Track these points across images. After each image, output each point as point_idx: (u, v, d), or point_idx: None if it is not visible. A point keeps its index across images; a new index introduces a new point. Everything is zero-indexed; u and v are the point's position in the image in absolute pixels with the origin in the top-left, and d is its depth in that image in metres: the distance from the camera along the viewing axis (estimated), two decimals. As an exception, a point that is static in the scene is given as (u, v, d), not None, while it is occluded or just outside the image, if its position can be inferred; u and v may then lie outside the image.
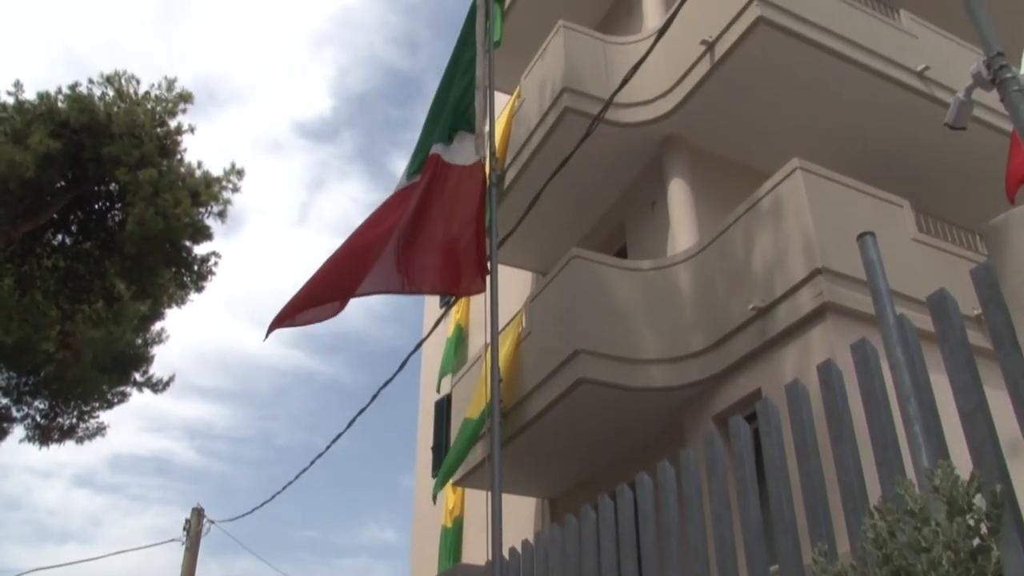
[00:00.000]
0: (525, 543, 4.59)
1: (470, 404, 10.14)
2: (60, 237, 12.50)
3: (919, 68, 10.05)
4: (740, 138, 10.53)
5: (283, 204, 64.26)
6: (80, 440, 15.82)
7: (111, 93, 11.77)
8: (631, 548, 3.61)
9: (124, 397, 16.12)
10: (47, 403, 15.33)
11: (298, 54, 64.20)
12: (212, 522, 17.34)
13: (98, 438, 16.05)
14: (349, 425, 11.22)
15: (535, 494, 11.41)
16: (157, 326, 16.04)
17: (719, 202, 9.80)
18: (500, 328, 6.34)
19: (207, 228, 12.14)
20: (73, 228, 12.43)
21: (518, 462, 9.79)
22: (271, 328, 5.14)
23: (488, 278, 5.70)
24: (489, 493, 4.94)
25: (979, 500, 1.75)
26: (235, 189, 12.30)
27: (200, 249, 12.55)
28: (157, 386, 16.26)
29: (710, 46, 9.63)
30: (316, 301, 5.29)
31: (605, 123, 9.19)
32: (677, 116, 10.21)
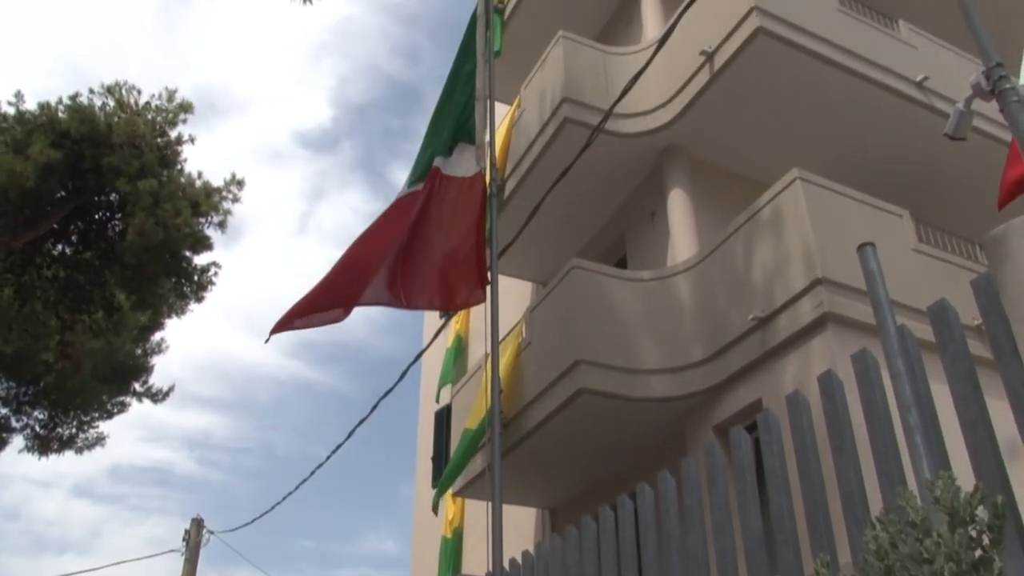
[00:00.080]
0: (525, 554, 4.58)
1: (470, 414, 10.13)
2: (60, 247, 12.51)
3: (918, 78, 10.08)
4: (740, 148, 10.54)
5: (283, 214, 64.30)
6: (79, 450, 15.81)
7: (112, 103, 11.80)
8: (632, 559, 3.60)
9: (124, 407, 16.11)
10: (47, 413, 15.32)
11: (298, 64, 64.36)
12: (211, 532, 17.31)
13: (97, 448, 16.05)
14: (349, 436, 11.20)
15: (535, 504, 11.38)
16: (157, 336, 16.05)
17: (719, 212, 9.81)
18: (500, 338, 6.34)
19: (207, 238, 12.16)
20: (73, 238, 12.44)
21: (518, 472, 9.77)
22: (273, 331, 5.18)
23: (488, 288, 5.71)
24: (489, 503, 4.93)
25: (981, 511, 1.75)
26: (235, 199, 12.31)
27: (200, 259, 12.56)
28: (157, 396, 16.26)
29: (709, 56, 9.65)
30: (318, 308, 5.33)
31: (605, 133, 9.20)
32: (677, 126, 10.22)
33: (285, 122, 63.77)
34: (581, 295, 8.85)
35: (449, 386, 14.30)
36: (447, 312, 14.84)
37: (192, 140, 12.42)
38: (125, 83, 12.00)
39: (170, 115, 12.12)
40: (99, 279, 12.21)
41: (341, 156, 72.22)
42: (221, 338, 57.06)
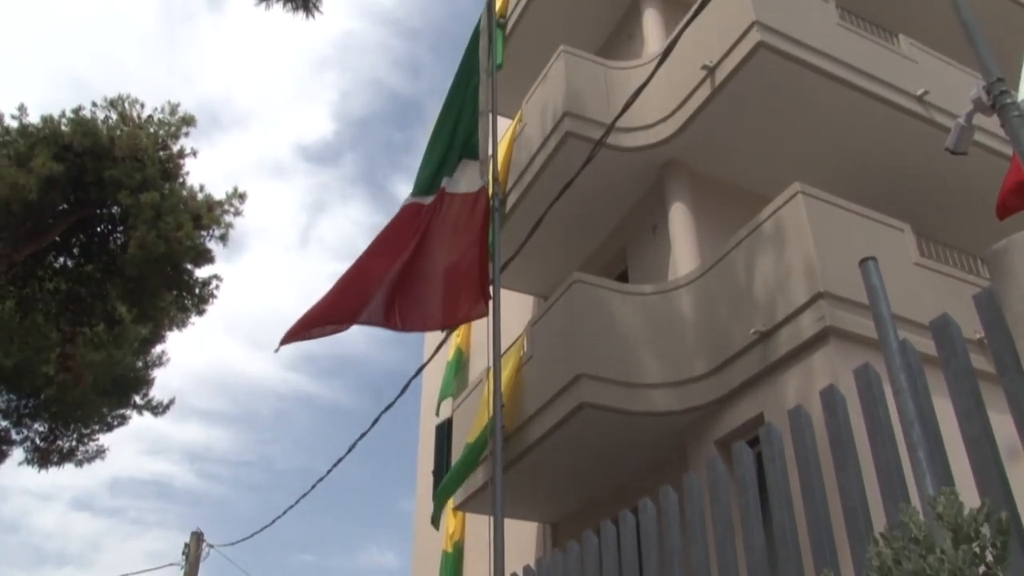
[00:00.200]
0: (526, 568, 4.56)
1: (472, 428, 10.10)
2: (62, 260, 12.53)
3: (919, 92, 10.10)
4: (741, 162, 10.56)
5: (285, 227, 64.43)
6: (79, 463, 15.78)
7: (114, 116, 11.84)
8: (634, 574, 3.58)
9: (124, 420, 16.09)
10: (47, 425, 15.29)
11: (300, 78, 64.61)
12: (211, 546, 17.25)
13: (97, 461, 16.02)
14: (350, 450, 11.17)
15: (536, 519, 11.34)
16: (158, 349, 16.04)
17: (720, 226, 9.81)
18: (502, 352, 6.33)
19: (209, 251, 12.17)
20: (75, 251, 12.46)
21: (519, 486, 9.74)
22: (283, 342, 5.20)
23: (490, 302, 5.71)
24: (490, 518, 4.92)
25: (984, 527, 1.74)
26: (237, 213, 12.34)
27: (201, 272, 12.58)
28: (157, 409, 16.23)
29: (711, 71, 9.68)
30: (326, 319, 5.36)
31: (606, 147, 9.22)
32: (678, 140, 10.24)
33: (287, 135, 64.00)
34: (583, 309, 8.85)
35: (450, 400, 14.27)
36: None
37: (194, 153, 12.47)
38: (128, 96, 12.05)
39: (172, 128, 12.16)
40: (100, 292, 12.22)
41: (343, 169, 72.43)
42: (222, 351, 57.09)
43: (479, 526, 12.17)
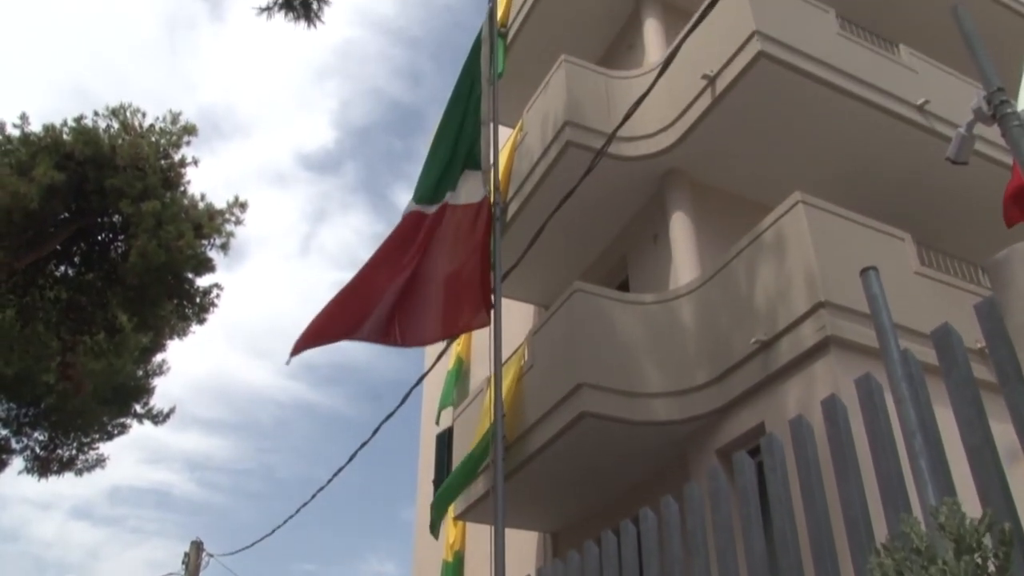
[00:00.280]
0: (527, 579, 4.54)
1: (473, 437, 10.08)
2: (63, 268, 12.55)
3: (919, 102, 10.11)
4: (742, 171, 10.57)
5: (285, 235, 64.49)
6: (79, 472, 15.77)
7: (116, 125, 11.87)
8: (634, 584, 3.57)
9: (124, 429, 16.09)
10: (47, 434, 15.29)
11: (301, 86, 64.75)
12: (211, 556, 17.18)
13: (97, 470, 16.01)
14: (350, 459, 11.12)
15: (537, 528, 11.32)
16: (158, 358, 16.06)
17: (721, 235, 9.81)
18: (502, 361, 6.33)
19: (209, 260, 12.19)
20: (76, 259, 12.47)
21: (520, 496, 9.73)
22: (294, 352, 5.19)
23: (491, 311, 5.70)
24: (491, 527, 4.90)
25: (986, 537, 1.73)
26: (238, 222, 12.36)
27: (202, 281, 12.60)
28: (157, 418, 16.23)
29: (711, 80, 9.69)
30: (330, 331, 5.37)
31: (607, 157, 9.22)
32: (679, 150, 10.25)
33: (288, 144, 64.14)
34: (583, 318, 8.84)
35: (450, 408, 14.25)
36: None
37: (196, 162, 12.50)
38: (130, 105, 12.09)
39: (174, 137, 12.19)
40: (101, 300, 12.22)
41: (343, 178, 72.54)
42: (223, 359, 57.09)
43: (479, 535, 12.14)
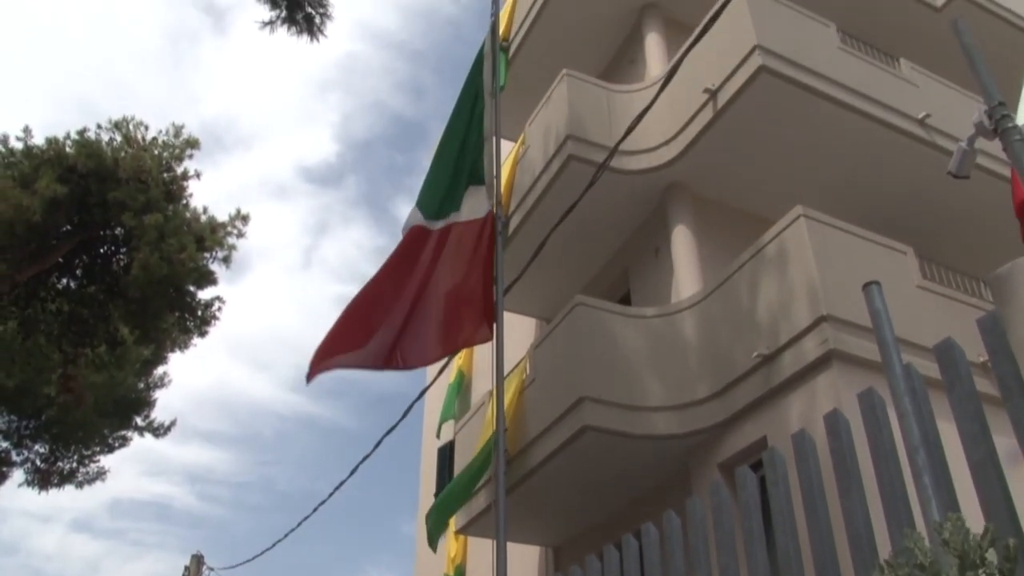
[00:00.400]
0: (528, 593, 4.52)
1: (474, 451, 10.04)
2: (65, 281, 12.56)
3: (920, 115, 10.12)
4: (743, 185, 10.58)
5: (287, 248, 64.58)
6: (80, 484, 15.75)
7: (119, 138, 11.91)
8: (636, 600, 3.55)
9: (125, 441, 16.07)
10: (47, 447, 15.27)
11: (304, 100, 64.97)
12: (211, 569, 17.13)
13: (98, 482, 15.98)
14: (352, 473, 11.09)
15: (539, 542, 11.27)
16: (159, 370, 16.06)
17: (723, 249, 9.81)
18: (504, 374, 6.32)
19: (211, 273, 12.20)
20: (78, 272, 12.48)
21: (522, 510, 9.69)
22: (310, 376, 5.20)
23: (494, 326, 5.69)
24: (493, 541, 4.89)
25: (991, 554, 1.72)
26: (240, 235, 12.37)
27: (204, 294, 12.60)
28: (158, 430, 16.21)
29: (713, 94, 9.71)
30: (344, 344, 5.37)
31: (609, 170, 9.23)
32: (680, 163, 10.26)
33: (290, 157, 64.31)
34: (585, 332, 8.84)
35: (452, 422, 14.21)
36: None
37: (198, 175, 12.53)
38: (132, 118, 12.12)
39: (176, 150, 12.22)
40: (103, 313, 12.23)
41: (345, 191, 72.69)
42: (224, 372, 57.07)
43: (481, 550, 12.09)
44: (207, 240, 11.97)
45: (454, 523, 10.83)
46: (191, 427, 63.76)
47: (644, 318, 9.22)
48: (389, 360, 5.46)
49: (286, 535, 14.37)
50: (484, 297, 5.71)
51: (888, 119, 9.90)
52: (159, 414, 16.31)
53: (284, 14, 9.46)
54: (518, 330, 12.83)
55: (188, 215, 12.18)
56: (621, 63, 13.25)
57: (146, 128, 12.20)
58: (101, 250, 12.31)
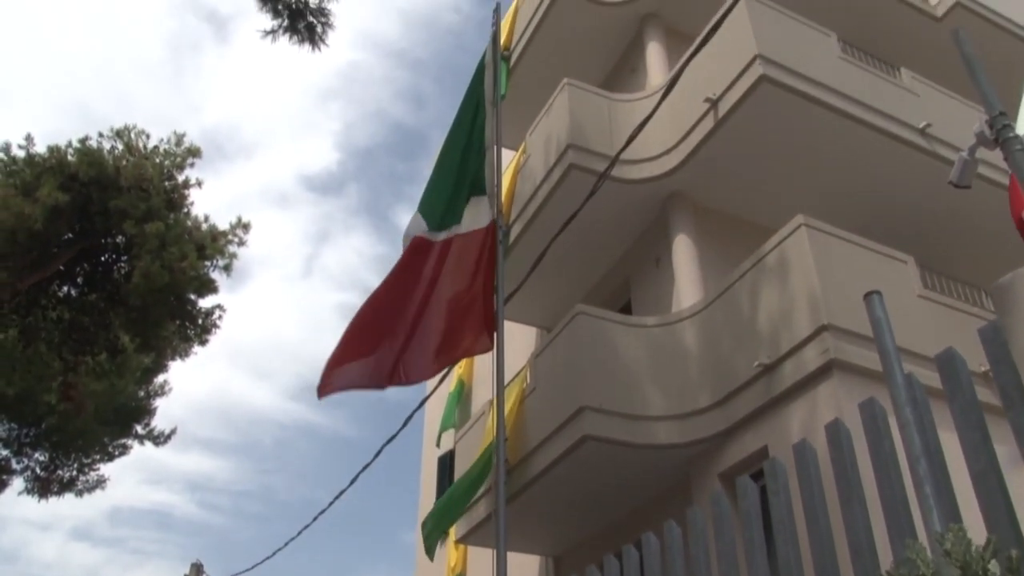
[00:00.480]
0: (528, 603, 4.50)
1: (474, 460, 10.01)
2: (66, 289, 12.56)
3: (921, 125, 10.13)
4: (744, 194, 10.58)
5: (288, 257, 64.62)
6: (80, 493, 15.71)
7: (120, 147, 11.93)
8: (637, 610, 3.53)
9: (125, 449, 16.05)
10: (47, 455, 15.25)
11: (305, 108, 65.10)
12: (211, 578, 17.08)
13: (98, 491, 15.94)
14: (352, 482, 11.07)
15: (539, 552, 11.24)
16: (160, 378, 16.04)
17: (724, 258, 9.81)
18: (504, 384, 6.30)
19: (212, 282, 12.20)
20: (79, 280, 12.49)
21: (522, 519, 9.67)
22: (322, 391, 5.24)
23: (494, 335, 5.68)
24: (493, 551, 4.87)
25: (993, 564, 1.71)
26: (241, 243, 12.38)
27: (205, 302, 12.61)
28: (159, 439, 16.19)
29: (714, 104, 9.72)
30: (347, 364, 5.40)
31: (610, 180, 9.24)
32: (681, 173, 10.27)
33: (291, 165, 64.40)
34: (586, 341, 8.83)
35: (451, 431, 14.19)
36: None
37: (199, 183, 12.56)
38: (134, 127, 12.16)
39: (178, 159, 12.25)
40: (104, 321, 12.23)
41: (347, 200, 72.77)
42: (225, 380, 57.04)
43: (481, 559, 12.05)
44: (208, 248, 11.98)
45: (454, 532, 10.80)
46: (191, 435, 63.70)
47: (645, 327, 9.21)
48: (392, 377, 5.49)
49: (286, 544, 14.33)
50: (485, 306, 5.71)
51: (889, 128, 9.91)
52: (159, 422, 16.30)
53: (286, 23, 9.48)
54: (519, 339, 12.82)
55: (189, 223, 12.19)
56: (622, 72, 13.28)
57: (148, 136, 12.24)
58: (102, 258, 12.32)
